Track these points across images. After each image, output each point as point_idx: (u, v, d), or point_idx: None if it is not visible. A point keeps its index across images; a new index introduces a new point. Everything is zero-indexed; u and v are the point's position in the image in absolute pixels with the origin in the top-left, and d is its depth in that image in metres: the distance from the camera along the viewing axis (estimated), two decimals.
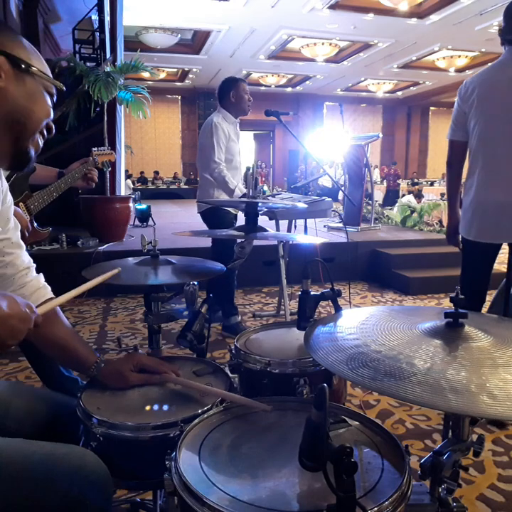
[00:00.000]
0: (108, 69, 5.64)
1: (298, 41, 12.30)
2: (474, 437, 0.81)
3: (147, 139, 18.08)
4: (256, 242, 1.55)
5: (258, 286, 4.77)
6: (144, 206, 6.94)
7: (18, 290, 1.05)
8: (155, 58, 12.64)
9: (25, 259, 1.08)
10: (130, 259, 1.46)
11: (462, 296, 0.82)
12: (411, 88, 17.97)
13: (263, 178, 16.59)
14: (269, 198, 3.35)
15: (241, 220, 1.69)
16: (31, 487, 0.81)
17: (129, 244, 5.18)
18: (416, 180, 16.47)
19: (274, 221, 3.35)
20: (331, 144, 6.93)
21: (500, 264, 4.02)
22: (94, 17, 6.67)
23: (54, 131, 0.96)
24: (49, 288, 1.11)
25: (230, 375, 1.15)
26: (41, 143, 0.94)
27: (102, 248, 4.76)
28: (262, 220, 1.52)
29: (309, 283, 1.11)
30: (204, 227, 3.27)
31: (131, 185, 13.72)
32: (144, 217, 6.82)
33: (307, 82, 17.07)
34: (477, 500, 1.69)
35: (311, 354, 0.82)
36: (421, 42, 11.96)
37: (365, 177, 6.09)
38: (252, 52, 13.20)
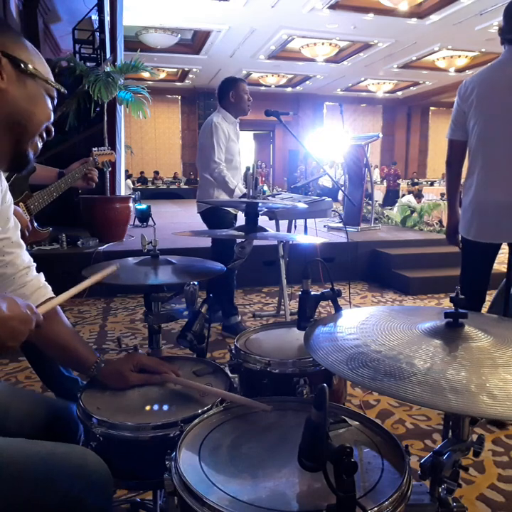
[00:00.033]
0: (108, 69, 5.63)
1: (298, 41, 12.30)
2: (474, 437, 0.81)
3: (147, 139, 18.08)
4: (256, 242, 1.55)
5: (258, 286, 4.77)
6: (144, 206, 6.94)
7: (19, 289, 1.04)
8: (155, 58, 12.64)
9: (26, 258, 1.08)
10: (130, 259, 1.46)
11: (462, 296, 0.82)
12: (411, 88, 17.97)
13: (263, 178, 16.59)
14: (269, 198, 3.35)
15: (241, 220, 1.69)
16: (32, 487, 0.81)
17: (129, 244, 5.18)
18: (416, 180, 16.47)
19: (274, 221, 3.35)
20: (331, 144, 6.93)
21: (500, 264, 4.02)
22: (94, 17, 6.67)
23: (53, 134, 0.96)
24: (49, 287, 1.11)
25: (230, 375, 1.15)
26: (40, 145, 0.94)
27: (102, 248, 4.76)
28: (262, 220, 1.52)
29: (309, 283, 1.11)
30: (204, 227, 3.27)
31: (131, 185, 13.72)
32: (144, 217, 6.82)
33: (307, 82, 17.07)
34: (477, 500, 1.69)
35: (311, 354, 0.82)
36: (421, 42, 11.96)
37: (365, 177, 6.09)
38: (252, 52, 13.20)
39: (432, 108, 19.77)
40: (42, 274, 1.11)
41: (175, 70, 15.67)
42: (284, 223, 3.63)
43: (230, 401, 0.98)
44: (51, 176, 1.89)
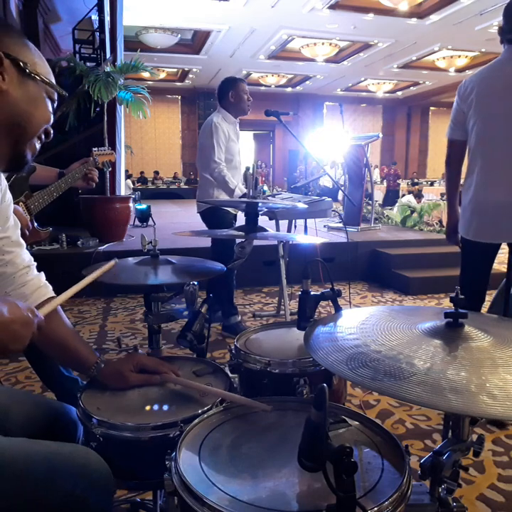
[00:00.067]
0: (108, 69, 5.64)
1: (298, 41, 12.30)
2: (474, 437, 0.81)
3: (147, 139, 18.08)
4: (256, 242, 1.55)
5: (258, 286, 4.77)
6: (144, 206, 6.94)
7: (19, 289, 1.04)
8: (155, 58, 12.64)
9: (26, 257, 1.08)
10: (130, 259, 1.46)
11: (462, 296, 0.82)
12: (411, 88, 17.97)
13: (263, 178, 16.59)
14: (269, 198, 3.35)
15: (241, 220, 1.69)
16: (34, 486, 0.81)
17: (129, 244, 5.18)
18: (416, 180, 16.47)
19: (274, 221, 3.35)
20: (331, 144, 6.93)
21: (500, 264, 4.02)
22: (94, 17, 6.67)
23: (52, 135, 0.96)
24: (50, 287, 1.11)
25: (230, 375, 1.15)
26: (38, 146, 0.94)
27: (102, 248, 4.76)
28: (262, 220, 1.52)
29: (309, 283, 1.11)
30: (204, 227, 3.27)
31: (131, 185, 13.72)
32: (144, 217, 6.82)
33: (307, 82, 17.07)
34: (477, 500, 1.69)
35: (311, 354, 0.82)
36: (421, 42, 11.96)
37: (365, 177, 6.09)
38: (252, 52, 13.20)
39: (432, 108, 19.77)
40: (42, 274, 1.11)
41: (175, 70, 15.67)
42: (284, 223, 3.63)
43: (230, 401, 0.98)
44: (51, 176, 1.89)
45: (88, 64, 6.16)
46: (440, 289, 4.63)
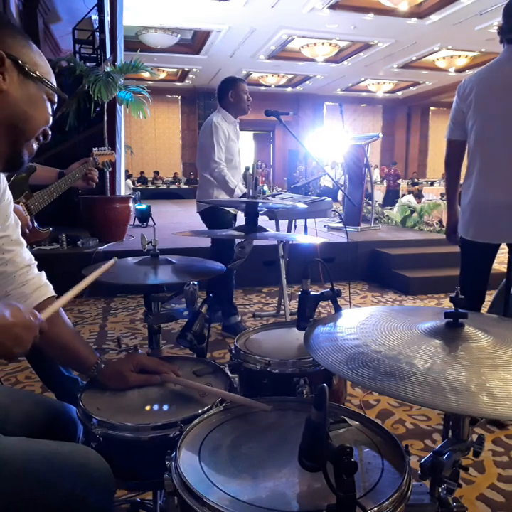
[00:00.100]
0: (108, 69, 5.63)
1: (298, 41, 12.30)
2: (474, 437, 0.81)
3: (147, 139, 18.08)
4: (256, 242, 1.55)
5: (258, 286, 4.77)
6: (144, 206, 6.94)
7: (19, 288, 1.04)
8: (155, 58, 12.64)
9: (26, 256, 1.08)
10: (130, 258, 1.46)
11: (462, 296, 0.82)
12: (411, 88, 17.97)
13: (263, 178, 16.59)
14: (269, 198, 3.35)
15: (241, 220, 1.69)
16: (33, 485, 0.81)
17: (129, 244, 5.18)
18: (416, 180, 16.47)
19: (274, 221, 3.35)
20: (331, 144, 6.93)
21: (500, 264, 4.02)
22: (94, 17, 6.67)
23: (50, 137, 0.95)
24: (50, 286, 1.11)
25: (230, 375, 1.15)
26: (36, 147, 0.94)
27: (102, 248, 4.76)
28: (262, 220, 1.52)
29: (309, 283, 1.11)
30: (204, 227, 3.27)
31: (131, 185, 13.72)
32: (144, 217, 6.82)
33: (307, 82, 17.07)
34: (477, 500, 1.69)
35: (311, 354, 0.82)
36: (421, 42, 11.96)
37: (365, 177, 6.09)
38: (252, 52, 13.20)
39: (432, 108, 19.78)
40: (43, 273, 1.11)
41: (175, 70, 15.67)
42: (284, 223, 3.63)
43: (230, 401, 0.98)
44: (51, 176, 1.89)
45: (88, 64, 6.16)
46: (440, 289, 4.63)
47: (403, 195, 12.64)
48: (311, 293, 1.09)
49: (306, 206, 2.15)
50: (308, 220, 3.50)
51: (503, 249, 2.23)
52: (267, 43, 12.33)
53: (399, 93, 18.89)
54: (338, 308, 1.05)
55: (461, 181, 2.30)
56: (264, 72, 15.80)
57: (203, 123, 3.31)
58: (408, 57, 13.58)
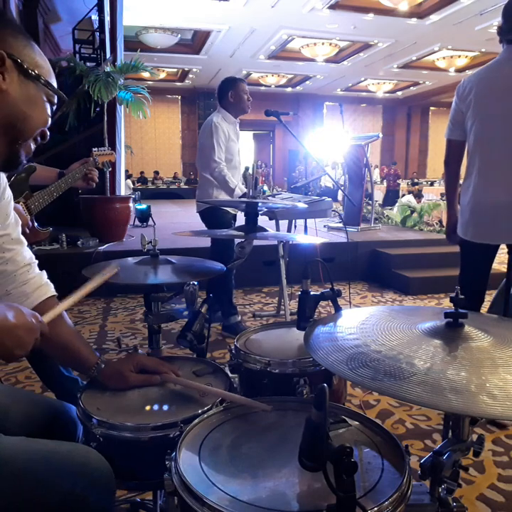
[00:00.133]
0: (108, 69, 5.64)
1: (298, 41, 12.30)
2: (474, 437, 0.81)
3: (147, 139, 18.08)
4: (256, 242, 1.55)
5: (258, 286, 4.77)
6: (144, 206, 6.94)
7: (20, 287, 1.04)
8: (155, 58, 12.64)
9: (27, 255, 1.08)
10: (130, 258, 1.46)
11: (462, 296, 0.82)
12: (411, 88, 17.97)
13: (263, 178, 16.59)
14: (269, 198, 3.35)
15: (241, 220, 1.69)
16: (33, 485, 0.81)
17: (129, 244, 5.18)
18: (416, 180, 16.47)
19: (274, 221, 3.35)
20: (331, 144, 6.93)
21: (500, 264, 4.02)
22: (94, 17, 6.68)
23: (48, 138, 0.95)
24: (51, 285, 1.11)
25: (230, 375, 1.15)
26: (33, 147, 0.94)
27: (102, 248, 4.76)
28: (262, 220, 1.52)
29: (309, 283, 1.11)
30: (204, 227, 3.28)
31: (131, 185, 13.72)
32: (144, 217, 6.82)
33: (307, 82, 17.07)
34: (477, 500, 1.69)
35: (311, 354, 0.82)
36: (421, 42, 11.96)
37: (365, 177, 6.09)
38: (252, 52, 13.20)
39: (432, 108, 19.78)
40: (44, 272, 1.11)
41: (175, 70, 15.67)
42: (284, 223, 3.63)
43: (230, 401, 0.98)
44: (51, 176, 1.89)
45: (88, 64, 6.17)
46: (440, 289, 4.63)
47: (403, 195, 12.64)
48: (311, 293, 1.09)
49: (306, 206, 2.15)
50: (308, 220, 3.50)
51: (503, 249, 2.23)
52: (267, 43, 12.33)
53: (399, 93, 18.89)
54: (338, 308, 1.05)
55: (461, 181, 2.30)
56: (264, 72, 15.79)
57: (203, 123, 3.31)
58: (408, 57, 13.58)
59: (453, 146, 2.25)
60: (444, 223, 2.75)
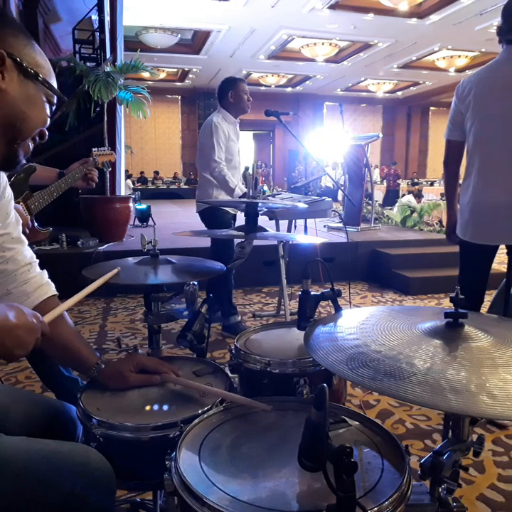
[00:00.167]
0: (108, 69, 5.64)
1: (298, 41, 12.30)
2: (474, 437, 0.81)
3: (147, 139, 18.08)
4: (256, 242, 1.55)
5: (258, 286, 4.77)
6: (144, 206, 6.94)
7: (21, 286, 1.04)
8: (155, 58, 12.64)
9: (28, 254, 1.07)
10: (130, 258, 1.46)
11: (462, 296, 0.82)
12: (411, 88, 17.97)
13: (263, 178, 16.59)
14: (269, 198, 3.35)
15: (240, 220, 1.69)
16: (34, 484, 0.81)
17: (129, 244, 5.18)
18: (416, 180, 16.47)
19: (274, 221, 3.35)
20: (331, 143, 6.93)
21: (500, 264, 4.02)
22: (94, 17, 6.68)
23: (46, 137, 0.95)
24: (52, 285, 1.10)
25: (230, 375, 1.15)
26: (31, 147, 0.94)
27: (102, 248, 4.76)
28: (262, 220, 1.52)
29: (309, 283, 1.11)
30: (204, 226, 3.28)
31: (131, 185, 13.72)
32: (144, 217, 6.82)
33: (307, 82, 17.07)
34: (477, 500, 1.69)
35: (311, 354, 0.82)
36: (421, 42, 11.96)
37: (365, 177, 6.09)
38: (252, 52, 13.20)
39: (432, 108, 19.78)
40: (45, 271, 1.11)
41: (175, 70, 15.67)
42: (284, 223, 3.63)
43: (230, 401, 0.98)
44: (51, 176, 1.89)
45: (88, 64, 6.17)
46: (440, 289, 4.63)
47: (403, 195, 12.64)
48: (312, 293, 1.09)
49: (306, 206, 2.15)
50: (308, 220, 3.50)
51: (503, 248, 2.23)
52: (267, 43, 12.33)
53: (399, 93, 18.89)
54: (338, 308, 1.05)
55: (460, 181, 2.29)
56: (264, 72, 15.80)
57: (203, 123, 3.31)
58: (408, 57, 13.58)
59: (452, 146, 2.25)
60: (444, 223, 2.75)
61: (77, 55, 6.45)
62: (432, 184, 16.08)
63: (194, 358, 1.27)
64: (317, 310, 1.11)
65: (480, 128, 2.09)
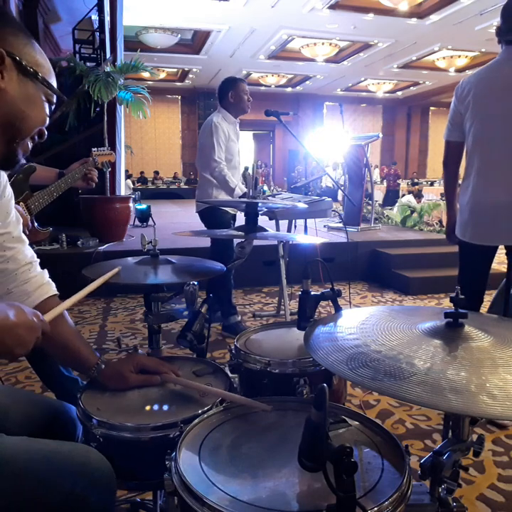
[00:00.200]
0: (108, 69, 5.64)
1: (298, 41, 12.30)
2: (474, 437, 0.81)
3: (147, 139, 18.08)
4: (256, 242, 1.55)
5: (258, 286, 4.77)
6: (144, 206, 6.94)
7: (21, 286, 1.04)
8: (155, 58, 12.64)
9: (28, 253, 1.07)
10: (130, 258, 1.46)
11: (462, 296, 0.82)
12: (411, 88, 17.97)
13: (263, 178, 16.59)
14: (269, 198, 3.35)
15: (240, 220, 1.69)
16: (34, 484, 0.81)
17: (129, 244, 5.18)
18: (416, 180, 16.47)
19: (274, 221, 3.35)
20: (331, 143, 6.93)
21: (500, 264, 4.02)
22: (94, 17, 6.68)
23: (45, 136, 0.95)
24: (53, 284, 1.10)
25: (230, 375, 1.15)
26: (30, 146, 0.94)
27: (102, 248, 4.76)
28: (262, 220, 1.52)
29: (309, 283, 1.11)
30: (204, 226, 3.28)
31: (131, 185, 13.72)
32: (144, 217, 6.82)
33: (307, 82, 17.07)
34: (477, 500, 1.69)
35: (311, 354, 0.82)
36: (421, 42, 11.96)
37: (365, 177, 6.09)
38: (252, 52, 13.20)
39: (432, 108, 19.78)
40: (45, 271, 1.11)
41: (175, 70, 15.67)
42: (284, 223, 3.63)
43: (230, 401, 0.98)
44: (51, 176, 1.89)
45: (88, 64, 6.17)
46: (440, 289, 4.63)
47: (403, 195, 12.64)
48: (312, 293, 1.09)
49: (306, 206, 2.15)
50: (308, 220, 3.50)
51: (503, 248, 2.23)
52: (267, 43, 12.33)
53: (399, 93, 18.89)
54: (338, 308, 1.05)
55: (460, 181, 2.29)
56: (264, 72, 15.79)
57: (203, 123, 3.32)
58: (408, 57, 13.58)
59: (452, 147, 2.25)
60: (444, 223, 2.74)
61: (77, 55, 6.46)
62: (431, 184, 16.07)
63: (194, 358, 1.27)
64: (317, 310, 1.11)
65: (480, 128, 2.09)
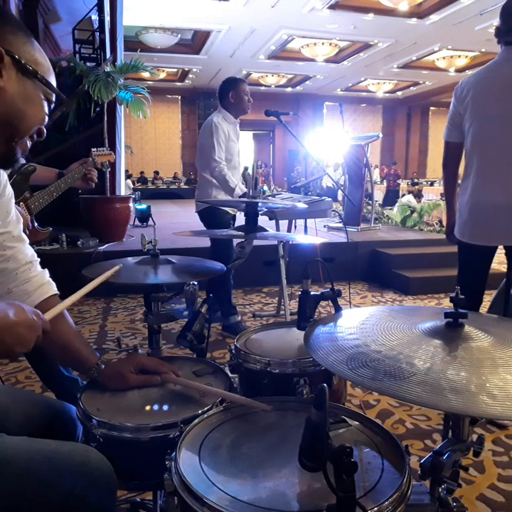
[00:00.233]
0: (108, 69, 5.64)
1: (298, 41, 12.30)
2: (474, 437, 0.81)
3: (147, 139, 18.08)
4: (256, 242, 1.55)
5: (258, 286, 4.77)
6: (144, 206, 6.94)
7: (22, 285, 1.04)
8: (155, 58, 12.64)
9: (29, 253, 1.07)
10: (130, 258, 1.46)
11: (462, 296, 0.82)
12: (411, 88, 17.97)
13: (263, 178, 16.59)
14: (269, 198, 3.35)
15: (240, 220, 1.69)
16: (34, 484, 0.81)
17: (129, 244, 5.18)
18: (416, 180, 16.48)
19: (274, 221, 3.35)
20: (331, 144, 6.93)
21: (500, 264, 4.02)
22: (94, 17, 6.68)
23: (44, 135, 0.95)
24: (54, 284, 1.10)
25: (230, 375, 1.15)
26: (29, 145, 0.94)
27: (102, 248, 4.76)
28: (262, 220, 1.52)
29: (309, 283, 1.11)
30: (203, 226, 3.28)
31: (131, 185, 13.72)
32: (144, 217, 6.82)
33: (307, 82, 17.07)
34: (477, 500, 1.69)
35: (311, 354, 0.82)
36: (421, 42, 11.96)
37: (365, 177, 6.09)
38: (252, 52, 13.20)
39: (432, 108, 19.78)
40: (46, 271, 1.10)
41: (175, 70, 15.67)
42: (284, 223, 3.63)
43: (230, 401, 0.98)
44: (51, 176, 1.89)
45: (88, 64, 6.17)
46: (440, 289, 4.63)
47: (403, 195, 12.64)
48: (312, 293, 1.09)
49: (306, 206, 2.15)
50: (308, 220, 3.50)
51: (502, 248, 2.23)
52: (267, 43, 12.33)
53: (399, 93, 18.89)
54: (338, 308, 1.05)
55: (459, 182, 2.29)
56: (264, 72, 15.79)
57: (203, 123, 3.32)
58: (408, 57, 13.58)
59: (451, 147, 2.25)
60: (444, 223, 2.74)
61: (77, 55, 6.46)
62: (431, 184, 16.08)
63: (194, 358, 1.27)
64: (317, 310, 1.11)
65: (479, 128, 2.09)
